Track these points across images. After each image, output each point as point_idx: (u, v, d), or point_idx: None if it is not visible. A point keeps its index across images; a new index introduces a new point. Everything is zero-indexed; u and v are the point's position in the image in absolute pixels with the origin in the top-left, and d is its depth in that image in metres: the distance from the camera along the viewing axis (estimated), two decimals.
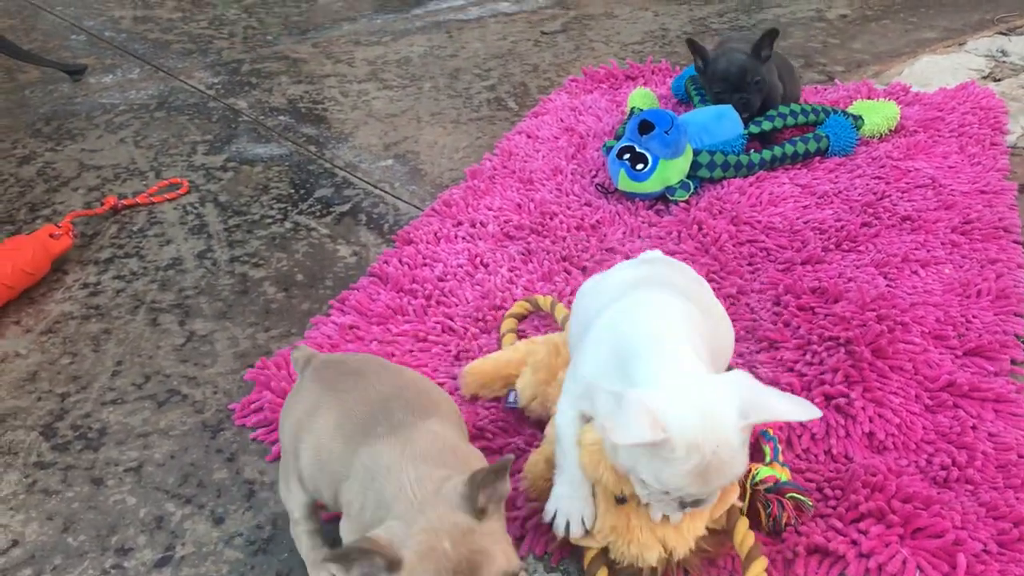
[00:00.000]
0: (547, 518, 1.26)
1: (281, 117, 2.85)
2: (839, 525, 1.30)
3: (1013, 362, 1.64)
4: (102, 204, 2.29)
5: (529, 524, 1.34)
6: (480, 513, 1.00)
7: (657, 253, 1.58)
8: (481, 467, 1.02)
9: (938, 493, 1.34)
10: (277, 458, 1.50)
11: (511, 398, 1.55)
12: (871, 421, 1.48)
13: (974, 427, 1.47)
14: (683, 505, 1.13)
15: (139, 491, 1.46)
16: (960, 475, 1.38)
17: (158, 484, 1.47)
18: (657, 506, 1.15)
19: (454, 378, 1.64)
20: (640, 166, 2.17)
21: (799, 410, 1.07)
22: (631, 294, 1.28)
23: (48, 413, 1.63)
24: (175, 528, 1.39)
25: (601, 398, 1.08)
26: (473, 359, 1.64)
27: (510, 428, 1.52)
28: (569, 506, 1.24)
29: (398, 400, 1.17)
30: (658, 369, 1.12)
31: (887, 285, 1.84)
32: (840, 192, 2.22)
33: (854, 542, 1.27)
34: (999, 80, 2.92)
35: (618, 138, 2.32)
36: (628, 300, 1.26)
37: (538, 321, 1.80)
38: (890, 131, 2.49)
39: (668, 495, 1.11)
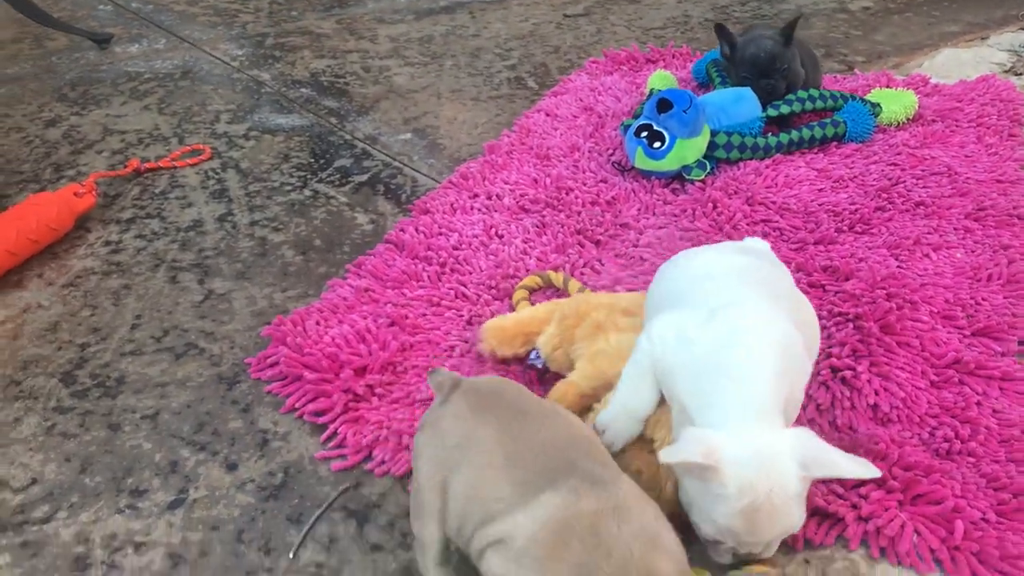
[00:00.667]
0: (596, 427, 1.27)
1: (303, 90, 2.88)
2: (840, 490, 1.31)
3: (1021, 343, 1.65)
4: (125, 166, 2.33)
5: None
6: None
7: (762, 244, 1.51)
8: None
9: (940, 463, 1.36)
10: (291, 410, 1.53)
11: (532, 356, 1.57)
12: (876, 394, 1.50)
13: (979, 403, 1.49)
14: (736, 556, 1.13)
15: (155, 437, 1.49)
16: (963, 448, 1.40)
17: (173, 431, 1.51)
18: (712, 554, 1.16)
19: (466, 341, 1.67)
20: (657, 144, 2.18)
21: (860, 469, 1.07)
22: (738, 300, 1.24)
23: (68, 362, 1.67)
24: (189, 472, 1.43)
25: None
26: None
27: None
28: (618, 427, 1.25)
29: (578, 450, 1.05)
30: (730, 411, 1.11)
31: (898, 266, 1.85)
32: (855, 177, 2.23)
33: (854, 506, 1.29)
34: (1020, 75, 2.92)
35: (636, 117, 2.33)
36: (734, 314, 1.21)
37: (551, 293, 1.82)
38: (908, 120, 2.50)
39: (721, 543, 1.11)
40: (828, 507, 1.29)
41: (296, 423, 1.52)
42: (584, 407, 1.38)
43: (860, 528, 1.26)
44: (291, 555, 1.29)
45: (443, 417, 1.12)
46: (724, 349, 1.17)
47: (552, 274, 1.82)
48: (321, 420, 1.51)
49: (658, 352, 1.23)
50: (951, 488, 1.30)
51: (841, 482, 1.32)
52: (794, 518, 1.09)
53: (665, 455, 1.06)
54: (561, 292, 1.80)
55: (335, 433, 1.48)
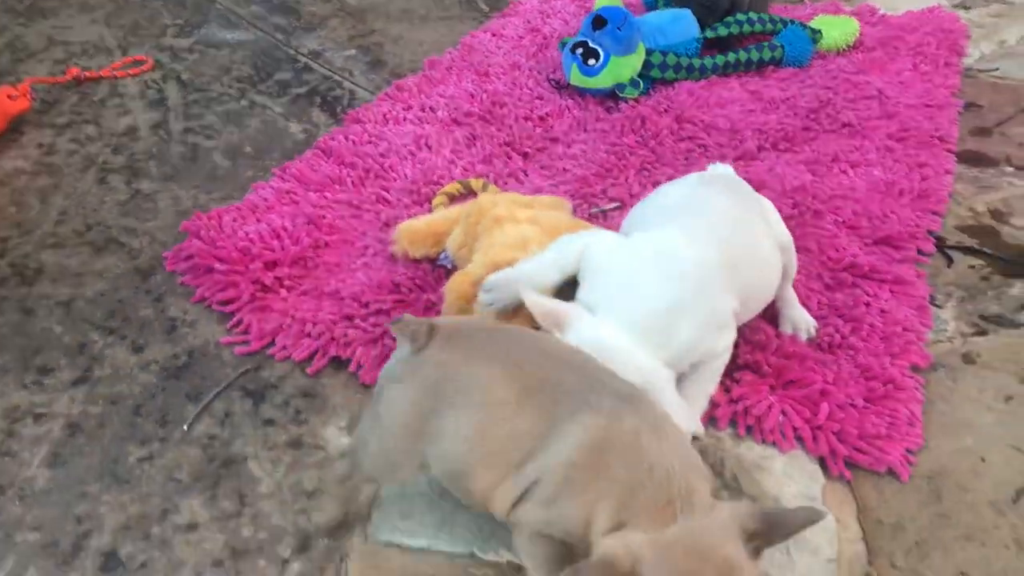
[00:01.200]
0: (484, 286, 1.31)
1: (254, 7, 2.87)
2: None
3: (920, 252, 1.69)
4: (64, 74, 2.34)
5: None
6: (755, 554, 0.86)
7: (725, 169, 1.55)
8: (780, 509, 0.97)
9: (817, 354, 1.41)
10: (201, 300, 1.57)
11: (442, 256, 1.61)
12: None
13: (868, 303, 1.53)
14: None
15: (67, 322, 1.53)
16: (843, 342, 1.45)
17: (85, 317, 1.54)
18: None
19: (381, 242, 1.70)
20: (592, 61, 2.20)
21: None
22: (662, 235, 1.28)
23: None
24: (96, 354, 1.47)
25: None
26: None
27: (427, 285, 1.58)
28: (507, 290, 1.29)
29: (601, 368, 1.01)
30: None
31: (813, 180, 1.89)
32: (787, 99, 2.26)
33: (726, 389, 1.34)
34: (969, 8, 2.94)
35: None
36: (650, 239, 1.27)
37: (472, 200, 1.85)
38: (848, 47, 2.52)
39: None
40: None
41: (205, 312, 1.56)
42: (476, 296, 1.41)
43: (731, 409, 1.31)
44: (185, 427, 1.33)
45: (424, 365, 1.02)
46: (631, 271, 1.22)
47: (473, 181, 1.85)
48: (229, 309, 1.54)
49: (591, 250, 1.28)
50: (823, 375, 1.35)
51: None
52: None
53: (531, 303, 1.12)
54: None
55: (240, 321, 1.52)
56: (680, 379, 1.18)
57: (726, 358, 1.25)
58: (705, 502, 0.88)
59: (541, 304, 1.15)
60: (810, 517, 0.87)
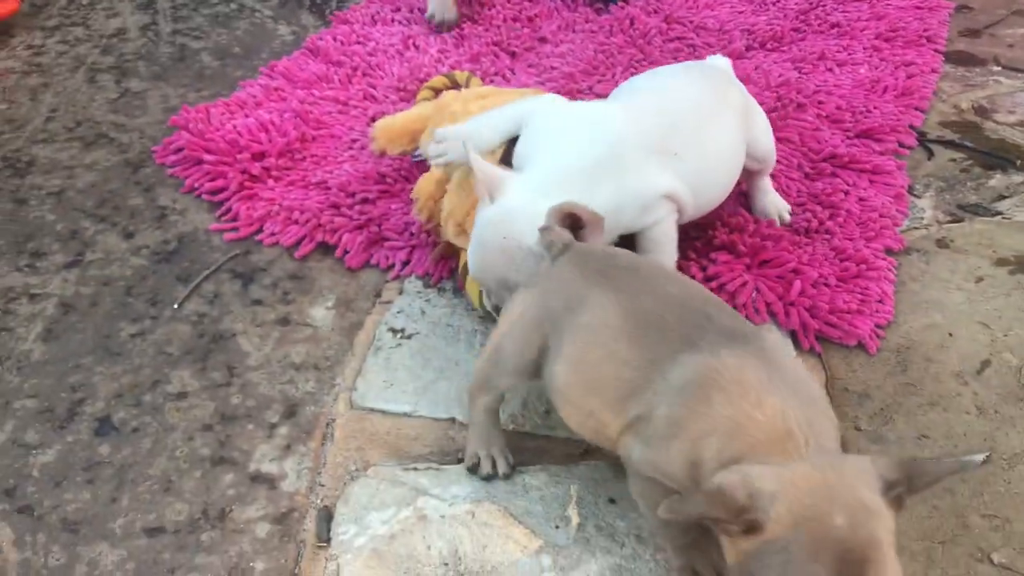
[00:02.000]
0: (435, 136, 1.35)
1: None
2: (693, 255, 1.39)
3: (901, 145, 1.71)
4: None
5: (415, 249, 1.44)
6: (896, 504, 0.76)
7: (723, 61, 1.53)
8: (924, 459, 0.87)
9: (794, 237, 1.44)
10: (191, 190, 1.60)
11: (416, 152, 1.63)
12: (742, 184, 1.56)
13: (846, 192, 1.55)
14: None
15: (58, 210, 1.56)
16: (820, 227, 1.47)
17: (77, 206, 1.57)
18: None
19: (368, 136, 1.71)
20: None
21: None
22: (603, 104, 1.34)
23: None
24: (88, 239, 1.50)
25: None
26: None
27: (412, 176, 1.60)
28: (454, 145, 1.32)
29: (713, 305, 0.95)
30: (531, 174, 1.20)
31: (798, 77, 1.89)
32: (778, 1, 2.25)
33: (703, 268, 1.37)
34: None
35: None
36: (587, 114, 1.30)
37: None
38: None
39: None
40: (679, 265, 1.36)
41: (194, 201, 1.59)
42: (443, 193, 1.42)
43: (708, 286, 1.34)
44: (175, 305, 1.37)
45: (550, 278, 1.02)
46: (560, 131, 1.24)
47: (458, 73, 1.85)
48: (218, 198, 1.57)
49: (533, 109, 1.30)
50: (797, 256, 1.38)
51: (695, 249, 1.40)
52: (513, 270, 1.14)
53: (475, 164, 1.17)
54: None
55: (229, 209, 1.55)
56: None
57: (667, 231, 1.26)
58: (833, 442, 0.81)
59: (483, 168, 1.17)
60: (957, 467, 0.78)
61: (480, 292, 1.27)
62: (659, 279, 0.98)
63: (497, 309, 1.20)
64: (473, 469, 1.10)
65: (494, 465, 1.10)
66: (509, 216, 1.15)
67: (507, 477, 1.09)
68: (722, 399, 0.82)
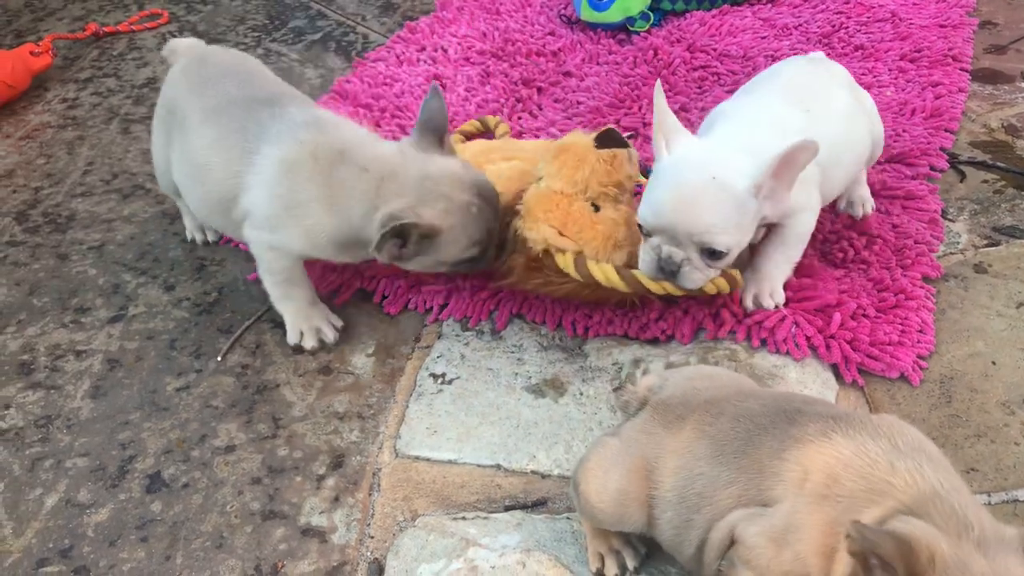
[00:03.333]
0: None
1: None
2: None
3: (932, 168, 1.70)
4: (84, 30, 2.37)
5: (452, 292, 1.46)
6: None
7: (819, 55, 1.59)
8: None
9: (830, 270, 1.44)
10: (228, 241, 1.62)
11: None
12: None
13: (880, 220, 1.55)
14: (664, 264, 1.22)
15: (100, 264, 1.59)
16: (856, 256, 1.47)
17: (117, 259, 1.60)
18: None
19: None
20: None
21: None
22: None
23: (22, 203, 1.75)
24: (130, 293, 1.52)
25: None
26: None
27: None
28: None
29: (800, 401, 0.95)
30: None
31: None
32: (800, 25, 2.25)
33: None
34: None
35: None
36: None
37: (490, 137, 1.88)
38: None
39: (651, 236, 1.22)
40: (720, 310, 1.37)
41: (232, 251, 1.61)
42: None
43: (744, 324, 1.35)
44: (219, 358, 1.39)
45: (628, 429, 1.02)
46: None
47: (489, 119, 1.87)
48: None
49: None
50: (836, 288, 1.38)
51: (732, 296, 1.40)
52: (719, 218, 1.17)
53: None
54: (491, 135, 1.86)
55: None
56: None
57: (807, 224, 1.31)
58: (968, 496, 0.78)
59: (664, 113, 1.22)
60: None
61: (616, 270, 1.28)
62: (740, 399, 0.96)
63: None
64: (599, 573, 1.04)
65: (621, 563, 1.04)
66: (719, 157, 1.18)
67: (637, 572, 1.04)
68: (850, 475, 0.80)
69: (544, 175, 1.35)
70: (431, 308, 1.46)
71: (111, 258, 1.60)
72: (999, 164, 1.74)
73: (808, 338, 1.31)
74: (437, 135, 1.31)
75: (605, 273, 1.28)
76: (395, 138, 1.80)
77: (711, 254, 1.20)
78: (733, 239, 1.19)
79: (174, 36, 2.38)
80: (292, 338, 1.38)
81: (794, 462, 0.84)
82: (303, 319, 1.38)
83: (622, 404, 1.07)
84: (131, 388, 1.34)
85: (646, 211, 1.22)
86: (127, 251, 1.62)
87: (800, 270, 1.43)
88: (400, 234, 1.21)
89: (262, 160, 1.28)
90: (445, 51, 2.19)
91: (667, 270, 1.22)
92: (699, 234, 1.18)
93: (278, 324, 1.45)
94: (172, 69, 1.47)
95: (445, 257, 1.28)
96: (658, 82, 1.26)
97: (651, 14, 2.24)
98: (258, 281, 1.52)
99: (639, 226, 1.24)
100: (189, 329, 1.45)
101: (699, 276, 1.23)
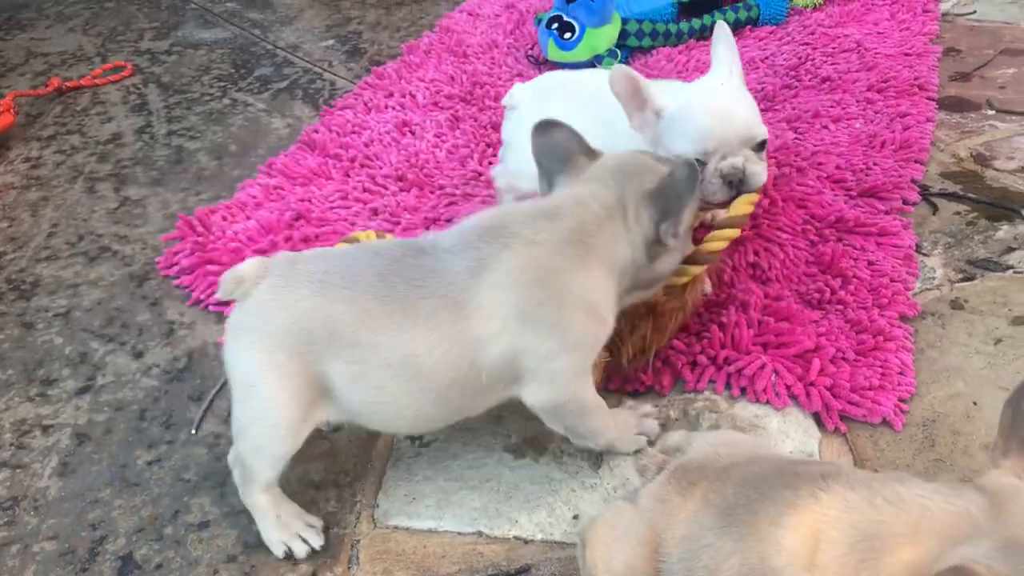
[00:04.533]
0: None
1: (228, 3, 2.88)
2: (707, 336, 1.38)
3: (905, 202, 1.70)
4: (46, 86, 2.34)
5: None
6: None
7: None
8: None
9: (807, 312, 1.43)
10: (197, 302, 1.59)
11: None
12: (756, 255, 1.56)
13: (855, 258, 1.54)
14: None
15: (66, 332, 1.55)
16: (832, 297, 1.46)
17: (84, 326, 1.56)
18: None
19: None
20: (568, 35, 2.20)
21: None
22: None
23: None
24: (97, 362, 1.49)
25: None
26: (392, 215, 1.72)
27: None
28: None
29: (800, 464, 0.95)
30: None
31: (795, 138, 1.90)
32: (767, 58, 2.26)
33: (714, 355, 1.35)
34: None
35: None
36: None
37: None
38: (822, 3, 2.51)
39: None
40: (696, 357, 1.35)
41: (201, 313, 1.58)
42: None
43: (723, 372, 1.33)
44: (193, 431, 1.35)
45: (644, 495, 0.98)
46: None
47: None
48: (226, 311, 1.56)
49: None
50: (813, 331, 1.37)
51: (708, 328, 1.39)
52: (753, 111, 1.42)
53: None
54: None
55: None
56: None
57: None
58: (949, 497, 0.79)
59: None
60: None
61: None
62: (748, 464, 0.93)
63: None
64: None
65: None
66: (718, 77, 1.44)
67: None
68: (842, 536, 0.79)
69: None
70: None
71: (78, 325, 1.57)
72: (970, 195, 1.74)
73: (788, 387, 1.30)
74: None
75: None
76: (365, 188, 1.79)
77: (759, 146, 1.41)
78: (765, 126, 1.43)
79: (138, 88, 2.36)
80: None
81: (792, 529, 0.81)
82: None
83: (640, 468, 1.06)
84: (100, 464, 1.30)
85: (697, 143, 1.38)
86: (94, 317, 1.58)
87: (778, 312, 1.42)
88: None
89: None
90: (413, 96, 2.18)
91: (735, 180, 1.39)
92: (747, 130, 1.39)
93: None
94: None
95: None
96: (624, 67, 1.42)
97: (618, 52, 2.24)
98: None
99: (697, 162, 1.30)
100: (159, 398, 1.41)
101: (761, 169, 1.41)
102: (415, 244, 1.15)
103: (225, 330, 1.13)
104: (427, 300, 1.06)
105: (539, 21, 2.34)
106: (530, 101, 1.58)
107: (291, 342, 1.07)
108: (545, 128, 1.20)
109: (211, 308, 1.57)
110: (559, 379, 1.10)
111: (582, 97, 1.55)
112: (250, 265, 1.10)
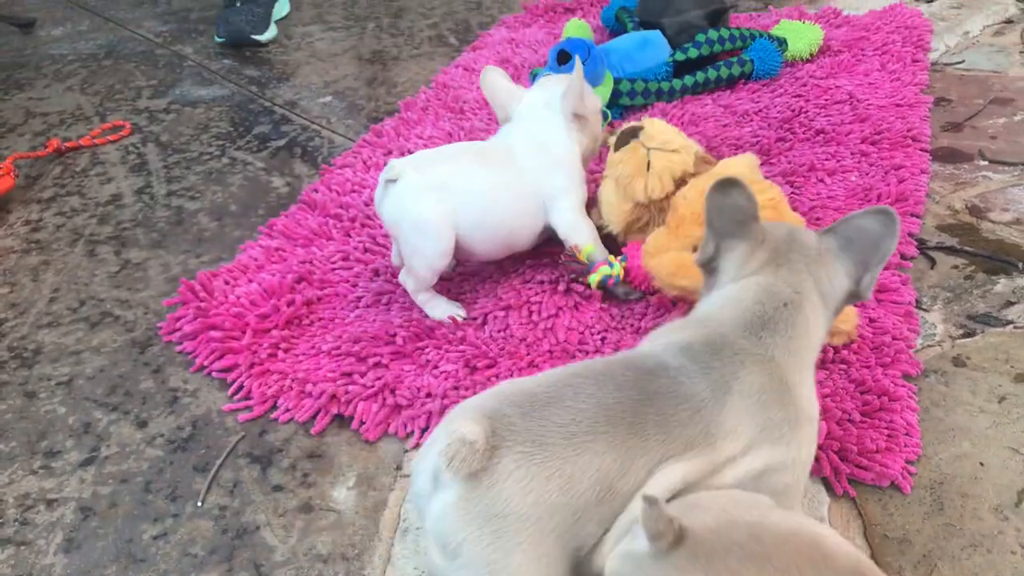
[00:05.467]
0: None
1: (225, 61, 2.90)
2: None
3: (903, 256, 1.72)
4: (45, 147, 2.35)
5: (432, 415, 1.43)
6: None
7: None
8: None
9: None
10: (200, 368, 1.59)
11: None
12: None
13: (857, 316, 1.55)
14: None
15: (69, 402, 1.55)
16: (836, 356, 1.47)
17: (87, 395, 1.56)
18: None
19: (373, 292, 1.72)
20: None
21: None
22: None
23: None
24: (101, 432, 1.48)
25: None
26: (394, 276, 1.73)
27: (422, 333, 1.60)
28: None
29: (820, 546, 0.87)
30: None
31: (792, 192, 1.91)
32: (760, 111, 2.29)
33: None
34: (931, 1, 2.98)
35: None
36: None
37: None
38: (812, 55, 2.55)
39: None
40: None
41: (205, 380, 1.57)
42: None
43: None
44: (199, 503, 1.34)
45: (657, 572, 0.84)
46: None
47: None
48: (229, 377, 1.56)
49: None
50: (820, 393, 1.37)
51: None
52: None
53: None
54: None
55: (241, 386, 1.54)
56: None
57: None
58: None
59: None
60: None
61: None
62: (774, 543, 0.85)
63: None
64: None
65: None
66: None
67: None
68: None
69: None
70: (412, 432, 1.44)
71: (80, 394, 1.56)
72: (967, 248, 1.76)
73: None
74: None
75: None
76: (367, 249, 1.79)
77: None
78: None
79: (137, 148, 2.37)
80: None
81: None
82: None
83: (652, 529, 0.91)
84: (106, 539, 1.29)
85: None
86: (97, 385, 1.58)
87: None
88: None
89: None
90: (412, 153, 2.19)
91: None
92: None
93: (255, 458, 1.41)
94: None
95: None
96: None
97: (608, 112, 2.26)
98: (233, 412, 1.49)
99: None
100: (164, 469, 1.41)
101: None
102: (639, 363, 1.04)
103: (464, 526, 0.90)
104: (684, 429, 0.97)
105: (534, 78, 2.36)
106: (413, 170, 1.55)
107: (558, 522, 0.90)
108: (725, 187, 1.11)
109: (214, 375, 1.57)
110: (790, 500, 1.03)
111: (472, 151, 1.67)
112: (472, 428, 0.90)
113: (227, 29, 2.95)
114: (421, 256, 1.57)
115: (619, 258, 1.63)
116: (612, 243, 1.72)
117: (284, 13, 3.26)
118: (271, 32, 3.05)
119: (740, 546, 0.83)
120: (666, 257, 1.53)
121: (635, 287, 1.63)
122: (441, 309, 1.63)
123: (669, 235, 1.56)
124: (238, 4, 3.01)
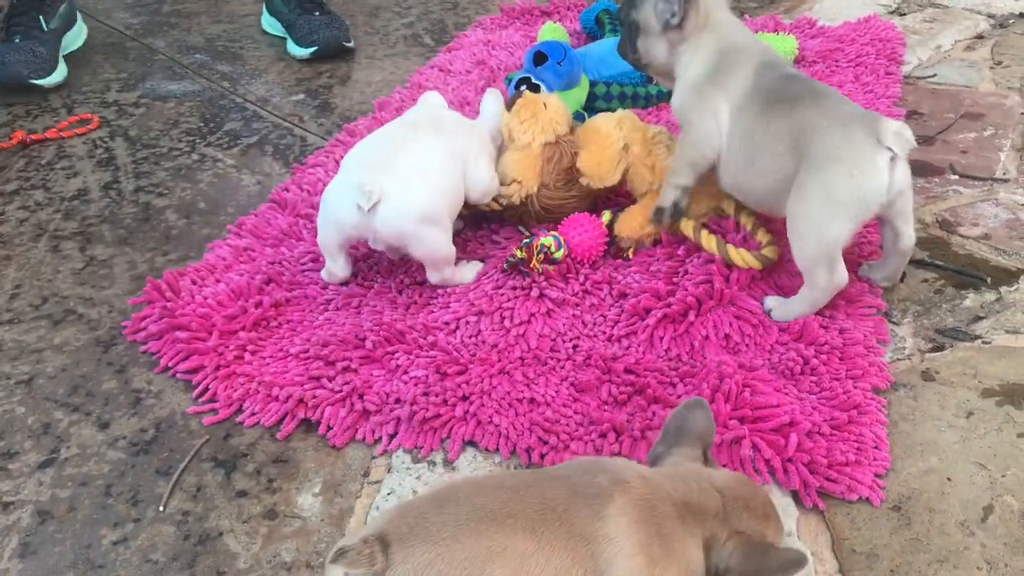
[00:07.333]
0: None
1: (197, 55, 2.86)
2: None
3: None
4: (9, 139, 2.31)
5: (401, 421, 1.41)
6: None
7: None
8: None
9: (782, 384, 1.43)
10: (165, 369, 1.56)
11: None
12: (729, 324, 1.56)
13: (825, 326, 1.55)
14: None
15: (28, 401, 1.51)
16: (805, 367, 1.47)
17: (48, 395, 1.53)
18: None
19: (342, 294, 1.70)
20: None
21: None
22: None
23: None
24: (61, 433, 1.45)
25: None
26: (365, 279, 1.71)
27: (392, 337, 1.58)
28: None
29: (562, 471, 1.03)
30: None
31: None
32: None
33: None
34: (904, 15, 3.00)
35: None
36: None
37: None
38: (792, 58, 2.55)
39: None
40: None
41: (169, 381, 1.55)
42: None
43: None
44: (161, 507, 1.32)
45: None
46: None
47: None
48: (195, 380, 1.53)
49: None
50: (789, 404, 1.37)
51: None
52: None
53: None
54: None
55: (207, 388, 1.51)
56: None
57: None
58: None
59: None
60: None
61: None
62: (499, 482, 0.99)
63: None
64: None
65: None
66: None
67: None
68: (673, 510, 0.96)
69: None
70: (380, 438, 1.42)
71: (41, 393, 1.53)
72: (937, 262, 1.77)
73: (767, 461, 1.30)
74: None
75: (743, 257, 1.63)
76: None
77: None
78: None
79: (105, 142, 2.33)
80: None
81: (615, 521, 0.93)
82: None
83: (365, 562, 0.90)
84: (64, 544, 1.26)
85: None
86: (58, 385, 1.55)
87: (754, 385, 1.42)
88: None
89: None
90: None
91: None
92: None
93: (219, 462, 1.39)
94: None
95: None
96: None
97: (585, 114, 2.25)
98: (198, 415, 1.47)
99: None
100: (126, 472, 1.38)
101: None
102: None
103: None
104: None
105: (509, 81, 2.35)
106: (384, 178, 1.56)
107: None
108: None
109: (179, 376, 1.54)
110: None
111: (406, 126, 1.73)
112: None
113: (2, 72, 2.53)
114: (437, 246, 1.61)
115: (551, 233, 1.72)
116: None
117: (79, 44, 2.88)
118: (59, 74, 2.62)
119: (424, 510, 0.93)
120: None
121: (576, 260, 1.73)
122: (471, 271, 1.72)
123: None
124: (17, 40, 2.56)
